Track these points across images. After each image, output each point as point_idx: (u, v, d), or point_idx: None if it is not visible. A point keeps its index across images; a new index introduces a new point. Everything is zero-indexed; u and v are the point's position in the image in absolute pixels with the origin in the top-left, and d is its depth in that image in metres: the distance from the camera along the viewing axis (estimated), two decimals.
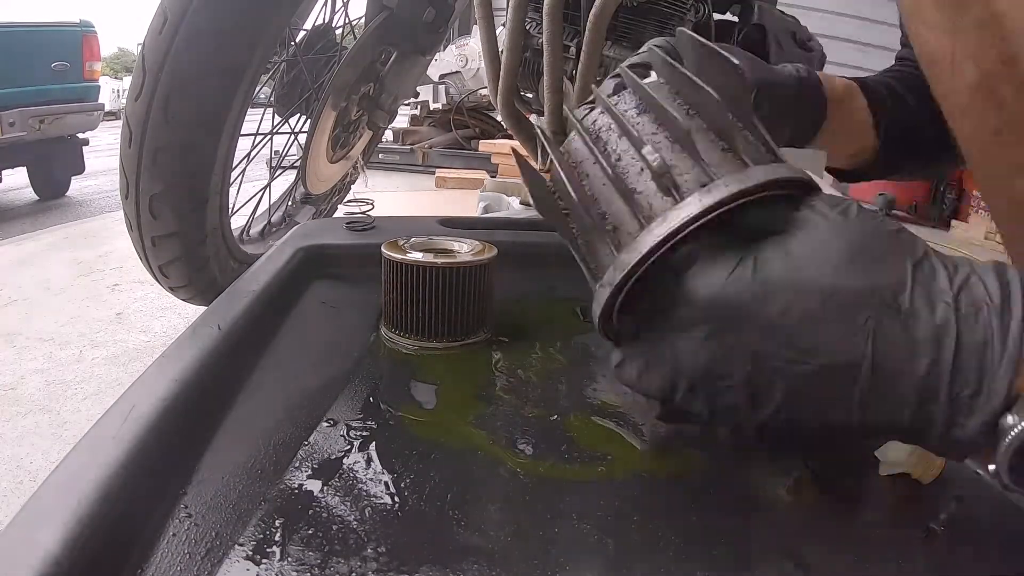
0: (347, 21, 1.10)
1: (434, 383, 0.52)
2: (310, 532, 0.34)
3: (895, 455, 0.41)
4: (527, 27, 0.76)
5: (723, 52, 0.31)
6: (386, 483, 0.38)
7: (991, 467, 0.25)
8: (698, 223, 0.28)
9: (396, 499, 0.37)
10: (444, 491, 0.38)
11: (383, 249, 0.59)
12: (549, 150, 0.34)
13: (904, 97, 0.64)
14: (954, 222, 3.19)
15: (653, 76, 0.38)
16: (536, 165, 0.85)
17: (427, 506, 0.37)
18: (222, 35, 0.74)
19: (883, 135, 0.64)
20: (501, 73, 0.76)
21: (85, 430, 0.36)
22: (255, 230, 1.16)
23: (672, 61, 0.33)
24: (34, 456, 0.84)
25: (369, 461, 0.41)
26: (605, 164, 0.32)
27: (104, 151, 5.14)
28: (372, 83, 1.01)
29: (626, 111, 0.33)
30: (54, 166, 3.63)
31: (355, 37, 1.08)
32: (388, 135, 3.69)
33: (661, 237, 0.28)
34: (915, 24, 0.39)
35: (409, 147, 3.74)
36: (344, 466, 0.39)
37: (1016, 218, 0.39)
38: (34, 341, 1.20)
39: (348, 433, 0.44)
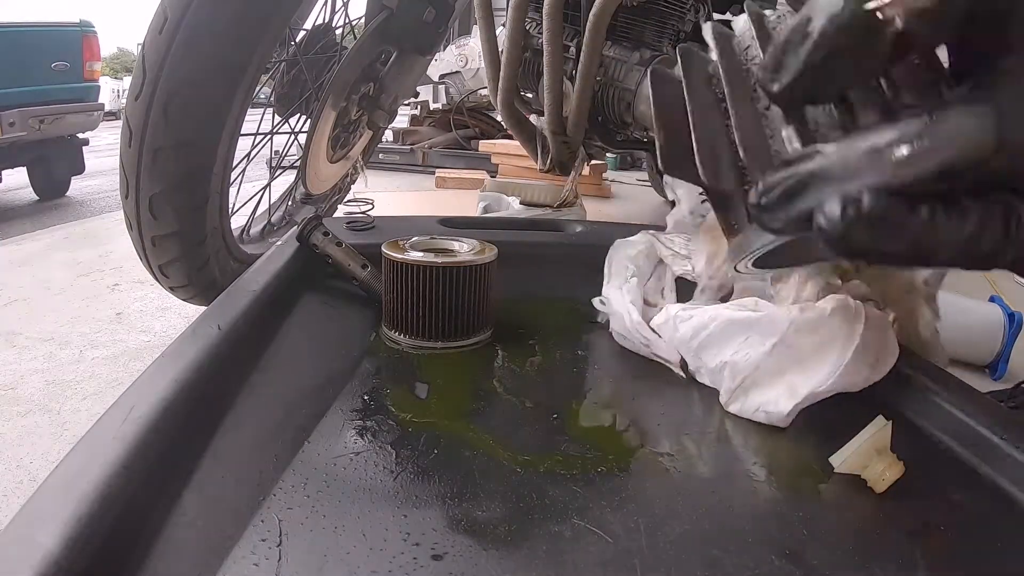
0: (347, 21, 1.10)
1: (434, 382, 0.52)
2: (310, 532, 0.34)
3: (849, 462, 0.41)
4: (527, 27, 0.76)
5: None
6: (386, 482, 0.38)
7: None
8: None
9: (396, 498, 0.37)
10: (445, 490, 0.38)
11: (383, 249, 0.59)
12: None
13: None
14: None
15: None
16: (536, 165, 0.85)
17: (427, 505, 0.37)
18: (222, 35, 0.74)
19: None
20: (501, 73, 0.76)
21: (85, 430, 0.36)
22: (255, 230, 1.15)
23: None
24: (34, 456, 0.84)
25: (369, 460, 0.41)
26: None
27: (104, 151, 5.13)
28: (372, 83, 1.00)
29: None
30: (54, 166, 3.62)
31: (355, 37, 1.08)
32: (388, 135, 3.68)
33: None
34: None
35: (409, 147, 3.73)
36: (344, 466, 0.39)
37: None
38: (34, 341, 1.20)
39: (348, 433, 0.44)
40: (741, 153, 0.30)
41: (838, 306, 0.49)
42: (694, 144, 0.32)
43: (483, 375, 0.54)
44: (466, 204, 1.89)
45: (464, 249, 0.62)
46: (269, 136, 1.06)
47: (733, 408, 0.50)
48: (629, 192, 2.95)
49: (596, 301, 0.63)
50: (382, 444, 0.43)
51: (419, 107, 4.30)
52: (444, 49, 3.74)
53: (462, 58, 3.85)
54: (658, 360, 0.57)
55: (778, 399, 0.48)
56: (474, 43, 3.73)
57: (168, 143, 0.76)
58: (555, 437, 0.45)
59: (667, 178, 0.56)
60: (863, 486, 0.41)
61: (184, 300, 0.98)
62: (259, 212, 1.17)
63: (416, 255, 0.58)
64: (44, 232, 2.16)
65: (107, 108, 5.47)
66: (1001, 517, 0.40)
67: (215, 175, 0.82)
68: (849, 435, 0.41)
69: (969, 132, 0.21)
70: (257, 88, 0.84)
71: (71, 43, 3.43)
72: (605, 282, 0.64)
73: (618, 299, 0.60)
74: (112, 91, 11.05)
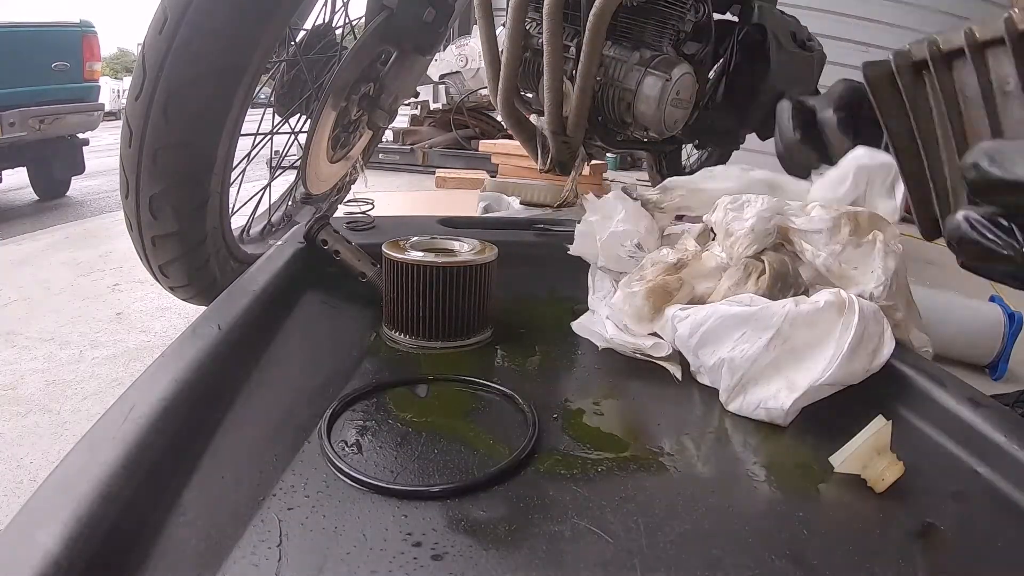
0: (347, 21, 1.09)
1: (434, 382, 0.52)
2: (310, 532, 0.34)
3: (848, 462, 0.41)
4: (527, 27, 0.76)
5: None
6: (386, 482, 0.38)
7: None
8: None
9: (396, 498, 0.37)
10: (444, 490, 0.38)
11: (384, 249, 0.59)
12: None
13: None
14: None
15: None
16: (536, 165, 0.85)
17: (427, 505, 0.37)
18: (222, 35, 0.73)
19: None
20: (501, 73, 0.76)
21: (85, 430, 0.36)
22: (255, 230, 1.15)
23: None
24: (34, 456, 0.84)
25: (369, 461, 0.41)
26: None
27: (104, 151, 5.13)
28: (372, 83, 1.00)
29: None
30: (54, 166, 3.63)
31: (355, 37, 1.08)
32: (388, 135, 3.68)
33: None
34: None
35: (409, 147, 3.73)
36: (344, 465, 0.39)
37: None
38: (34, 341, 1.20)
39: (348, 432, 0.44)
40: None
41: (832, 299, 0.50)
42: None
43: (483, 375, 0.54)
44: (466, 204, 1.89)
45: (464, 249, 0.62)
46: (269, 136, 1.06)
47: (733, 407, 0.50)
48: None
49: (575, 326, 0.62)
50: (382, 444, 0.43)
51: (419, 107, 4.30)
52: (444, 49, 3.73)
53: (462, 58, 3.85)
54: (655, 362, 0.57)
55: (778, 394, 0.48)
56: (474, 43, 3.73)
57: (168, 143, 0.76)
58: (554, 437, 0.45)
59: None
60: (863, 486, 0.41)
61: (184, 300, 0.98)
62: (259, 212, 1.17)
63: (416, 255, 0.58)
64: (44, 232, 2.16)
65: (107, 108, 5.47)
66: (1001, 517, 0.40)
67: (215, 175, 0.82)
68: (849, 435, 0.41)
69: None
70: (257, 88, 0.84)
71: (71, 43, 3.43)
72: (590, 293, 0.64)
73: (594, 319, 0.60)
74: (112, 91, 11.05)
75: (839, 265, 0.55)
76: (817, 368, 0.48)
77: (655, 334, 0.57)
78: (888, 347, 0.50)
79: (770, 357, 0.49)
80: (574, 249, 0.64)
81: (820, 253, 0.56)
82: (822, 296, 0.50)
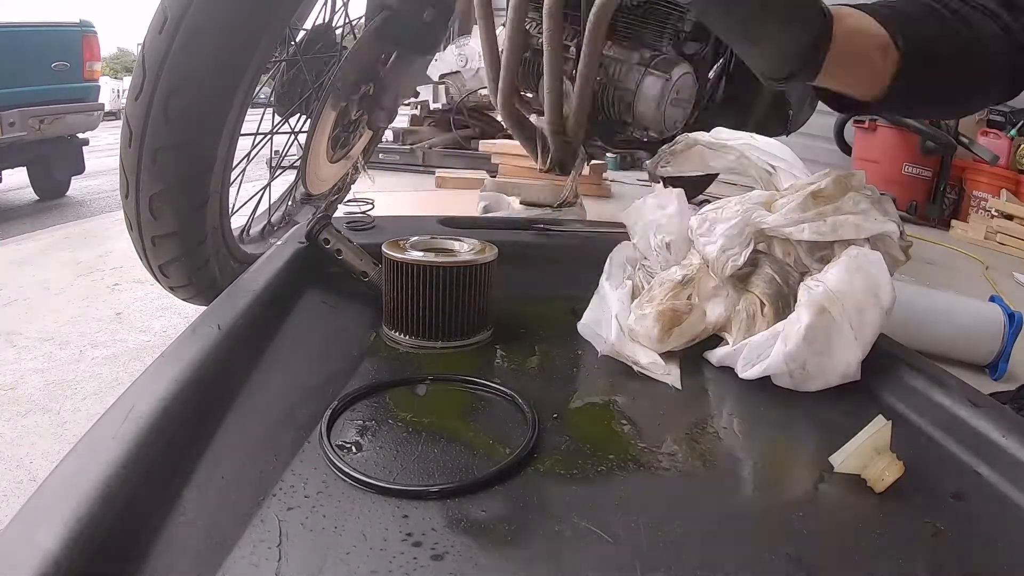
0: (347, 21, 1.09)
1: (434, 382, 0.52)
2: (310, 532, 0.34)
3: (848, 462, 0.41)
4: (527, 27, 0.76)
5: None
6: (386, 482, 0.38)
7: None
8: None
9: (396, 498, 0.37)
10: (444, 490, 0.38)
11: (384, 248, 0.59)
12: None
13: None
14: (954, 222, 3.18)
15: None
16: (536, 165, 0.85)
17: (427, 505, 0.37)
18: (222, 35, 0.73)
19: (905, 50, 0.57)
20: (501, 73, 0.76)
21: (85, 430, 0.36)
22: (255, 230, 1.15)
23: None
24: (34, 456, 0.84)
25: (369, 460, 0.41)
26: None
27: (104, 151, 5.13)
28: (372, 83, 1.00)
29: None
30: (54, 166, 3.63)
31: (355, 37, 1.08)
32: (388, 135, 3.68)
33: None
34: None
35: (409, 147, 3.73)
36: (344, 465, 0.39)
37: None
38: (34, 341, 1.20)
39: (348, 432, 0.44)
40: None
41: (810, 315, 0.52)
42: None
43: (483, 375, 0.54)
44: (466, 204, 1.89)
45: (464, 249, 0.62)
46: (269, 136, 1.06)
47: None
48: (629, 192, 2.95)
49: (580, 327, 0.61)
50: (382, 444, 0.43)
51: (419, 107, 4.29)
52: (444, 49, 3.73)
53: (462, 58, 3.85)
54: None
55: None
56: (474, 43, 3.73)
57: (168, 143, 0.76)
58: (555, 437, 0.45)
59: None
60: (863, 486, 0.41)
61: (184, 300, 0.97)
62: (259, 212, 1.17)
63: (416, 255, 0.58)
64: (44, 232, 2.16)
65: (107, 108, 5.47)
66: (1001, 517, 0.40)
67: (215, 175, 0.82)
68: (849, 435, 0.41)
69: None
70: (257, 88, 0.84)
71: (71, 43, 3.43)
72: (604, 276, 0.64)
73: (600, 314, 0.59)
74: (112, 91, 11.04)
75: (814, 262, 0.57)
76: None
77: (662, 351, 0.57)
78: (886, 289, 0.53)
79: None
80: (623, 216, 0.66)
81: (802, 259, 0.57)
82: (803, 317, 0.52)
